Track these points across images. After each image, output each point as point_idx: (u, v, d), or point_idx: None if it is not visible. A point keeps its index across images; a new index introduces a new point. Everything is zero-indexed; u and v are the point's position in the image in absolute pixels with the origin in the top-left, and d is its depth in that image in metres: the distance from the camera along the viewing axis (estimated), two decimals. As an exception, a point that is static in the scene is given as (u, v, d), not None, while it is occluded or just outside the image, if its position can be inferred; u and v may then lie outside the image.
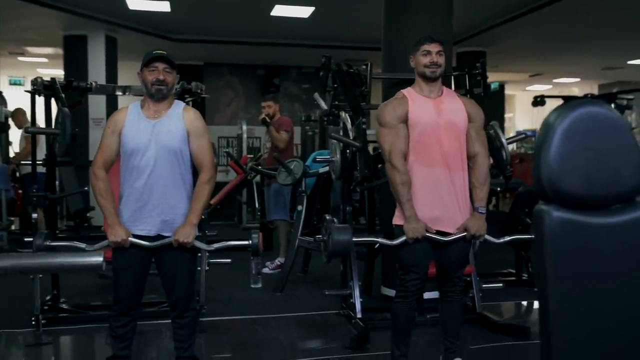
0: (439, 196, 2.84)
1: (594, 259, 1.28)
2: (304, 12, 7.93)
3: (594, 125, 1.30)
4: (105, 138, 2.74)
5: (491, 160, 4.26)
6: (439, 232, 2.85)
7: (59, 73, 10.51)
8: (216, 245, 2.75)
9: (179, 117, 2.73)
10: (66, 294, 4.39)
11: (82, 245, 2.73)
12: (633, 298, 1.28)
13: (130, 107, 2.77)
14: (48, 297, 4.13)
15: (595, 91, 13.92)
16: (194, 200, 2.72)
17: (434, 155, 2.83)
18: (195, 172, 2.79)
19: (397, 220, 2.89)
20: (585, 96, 8.61)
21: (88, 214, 7.84)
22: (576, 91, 14.97)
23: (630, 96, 9.69)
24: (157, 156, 2.66)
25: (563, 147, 1.29)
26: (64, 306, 4.19)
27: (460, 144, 2.88)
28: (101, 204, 2.68)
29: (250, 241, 2.78)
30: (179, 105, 2.80)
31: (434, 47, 2.91)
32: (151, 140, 2.66)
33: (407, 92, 2.96)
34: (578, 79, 14.49)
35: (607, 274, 1.28)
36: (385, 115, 2.88)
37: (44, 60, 11.34)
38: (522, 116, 17.52)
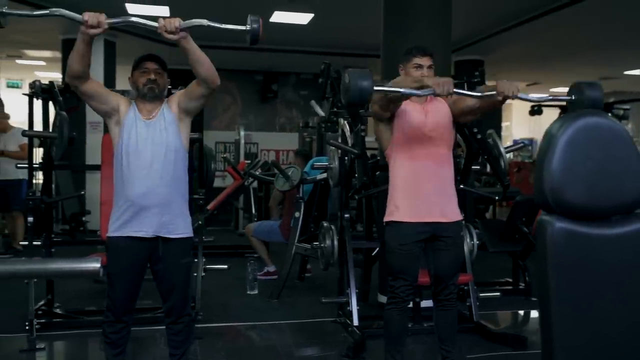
0: (427, 189, 2.84)
1: (595, 269, 1.28)
2: (303, 18, 7.93)
3: (596, 135, 1.30)
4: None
5: (489, 169, 4.27)
6: (430, 224, 2.82)
7: (57, 76, 10.48)
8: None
9: (168, 111, 2.73)
10: (61, 299, 4.36)
11: None
12: (632, 308, 1.28)
13: (131, 105, 2.74)
14: (42, 302, 4.10)
15: (592, 101, 13.94)
16: None
17: (421, 149, 2.85)
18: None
19: (389, 216, 2.88)
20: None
21: (83, 218, 7.83)
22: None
23: (626, 106, 9.74)
24: (154, 156, 2.64)
25: (565, 158, 1.28)
26: (58, 311, 4.17)
27: (447, 140, 2.92)
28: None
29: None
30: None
31: (425, 61, 2.92)
32: (147, 140, 2.65)
33: None
34: (575, 89, 14.52)
35: (607, 284, 1.29)
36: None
37: (42, 63, 11.32)
38: (518, 125, 17.55)
